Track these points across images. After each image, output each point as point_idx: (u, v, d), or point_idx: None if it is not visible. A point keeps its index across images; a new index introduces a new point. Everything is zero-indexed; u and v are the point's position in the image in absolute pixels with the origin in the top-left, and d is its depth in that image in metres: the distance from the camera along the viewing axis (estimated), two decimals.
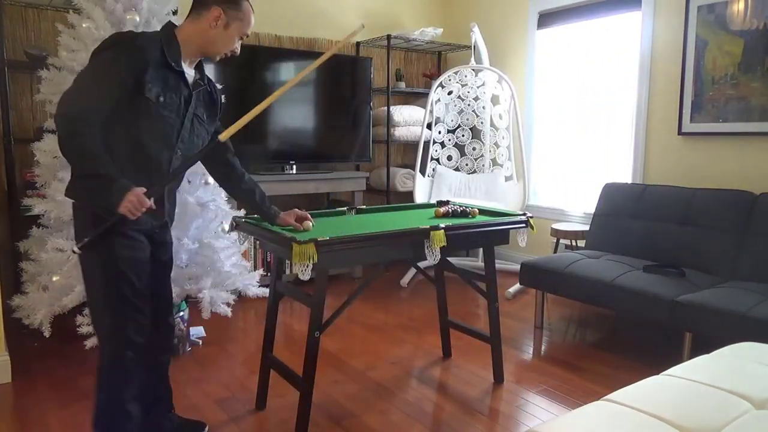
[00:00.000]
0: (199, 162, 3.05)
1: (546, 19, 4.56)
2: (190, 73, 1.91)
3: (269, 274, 3.98)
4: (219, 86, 3.19)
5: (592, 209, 3.91)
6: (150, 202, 1.74)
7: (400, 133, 4.79)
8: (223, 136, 1.99)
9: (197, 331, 3.24)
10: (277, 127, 4.25)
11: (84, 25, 2.84)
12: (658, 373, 1.69)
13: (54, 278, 2.78)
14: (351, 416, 2.38)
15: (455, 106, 4.74)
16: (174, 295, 2.86)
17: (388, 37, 4.60)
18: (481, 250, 4.47)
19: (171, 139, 1.86)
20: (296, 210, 2.21)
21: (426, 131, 4.67)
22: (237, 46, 1.96)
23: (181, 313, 2.97)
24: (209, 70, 3.72)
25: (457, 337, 3.16)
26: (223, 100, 2.12)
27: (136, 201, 1.68)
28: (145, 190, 1.73)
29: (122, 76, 1.70)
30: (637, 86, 3.96)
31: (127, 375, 1.84)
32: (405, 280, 4.43)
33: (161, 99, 1.78)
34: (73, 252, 1.77)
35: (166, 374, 2.16)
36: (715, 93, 3.50)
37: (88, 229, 1.77)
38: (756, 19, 3.30)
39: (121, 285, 1.79)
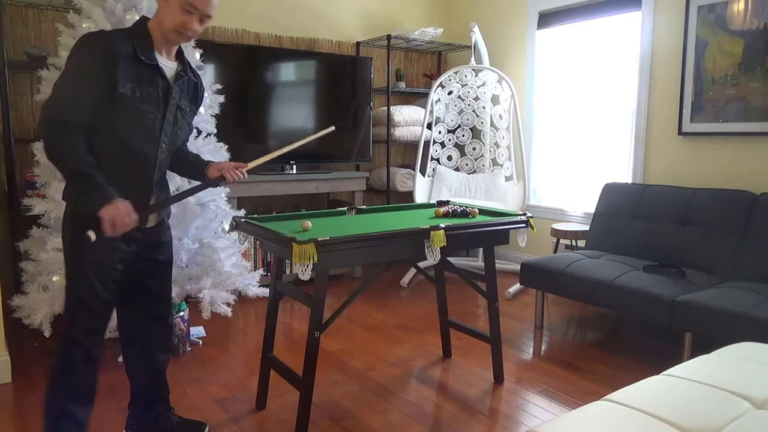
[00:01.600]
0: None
1: (546, 19, 4.56)
2: (168, 64, 1.86)
3: (269, 274, 3.99)
4: (219, 86, 3.22)
5: (592, 209, 3.91)
6: (133, 222, 1.75)
7: (400, 133, 4.79)
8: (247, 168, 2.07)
9: (197, 331, 3.24)
10: (277, 127, 4.25)
11: (84, 25, 2.84)
12: (658, 373, 1.69)
13: (54, 278, 2.78)
14: (351, 416, 2.38)
15: (455, 106, 4.73)
16: (174, 295, 2.87)
17: (388, 37, 4.60)
18: (481, 250, 4.47)
19: (154, 134, 1.84)
20: (224, 162, 2.13)
21: (426, 131, 4.67)
22: (193, 24, 1.78)
23: (181, 313, 2.97)
24: (209, 69, 3.74)
25: (457, 337, 3.16)
26: (205, 92, 2.11)
27: (118, 219, 1.70)
28: (129, 204, 1.73)
29: (94, 76, 1.69)
30: (637, 86, 3.96)
31: (70, 372, 1.83)
32: (405, 280, 4.43)
33: (137, 94, 1.76)
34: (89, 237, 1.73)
35: (164, 373, 2.16)
36: (715, 93, 3.50)
37: (67, 228, 1.81)
38: (756, 19, 3.30)
39: (80, 285, 1.80)
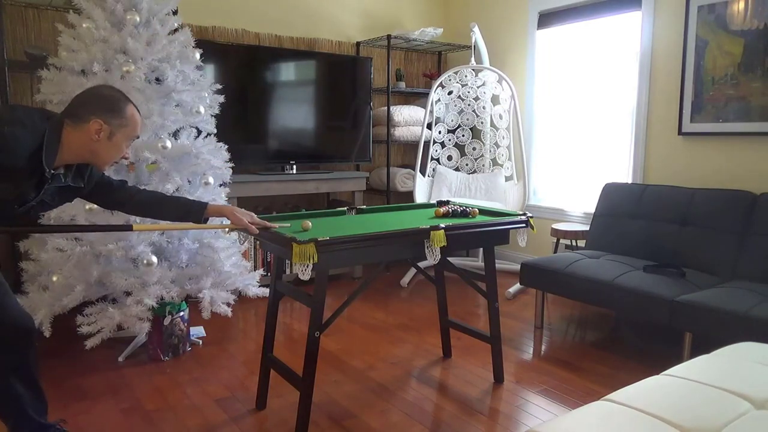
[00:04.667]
0: (201, 162, 3.05)
1: (546, 19, 4.56)
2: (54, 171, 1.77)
3: (269, 274, 3.99)
4: (219, 86, 3.21)
5: (592, 209, 3.91)
6: None
7: (400, 133, 4.80)
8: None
9: (197, 331, 3.24)
10: (277, 127, 4.25)
11: (84, 25, 2.85)
12: (658, 373, 1.69)
13: (54, 278, 2.78)
14: (351, 416, 2.38)
15: (455, 106, 4.74)
16: (174, 294, 2.87)
17: (388, 37, 4.60)
18: (481, 250, 4.47)
19: (5, 208, 1.72)
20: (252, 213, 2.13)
21: (426, 131, 4.67)
22: (127, 151, 1.85)
23: (181, 313, 2.97)
24: (209, 69, 3.74)
25: (457, 337, 3.16)
26: (94, 173, 1.95)
27: None
28: None
29: None
30: (637, 86, 3.96)
31: None
32: (405, 280, 4.44)
33: (12, 180, 1.65)
34: None
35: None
36: (715, 93, 3.50)
37: None
38: (756, 19, 3.30)
39: None
